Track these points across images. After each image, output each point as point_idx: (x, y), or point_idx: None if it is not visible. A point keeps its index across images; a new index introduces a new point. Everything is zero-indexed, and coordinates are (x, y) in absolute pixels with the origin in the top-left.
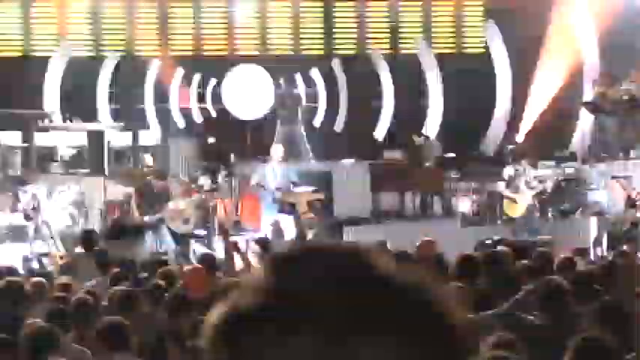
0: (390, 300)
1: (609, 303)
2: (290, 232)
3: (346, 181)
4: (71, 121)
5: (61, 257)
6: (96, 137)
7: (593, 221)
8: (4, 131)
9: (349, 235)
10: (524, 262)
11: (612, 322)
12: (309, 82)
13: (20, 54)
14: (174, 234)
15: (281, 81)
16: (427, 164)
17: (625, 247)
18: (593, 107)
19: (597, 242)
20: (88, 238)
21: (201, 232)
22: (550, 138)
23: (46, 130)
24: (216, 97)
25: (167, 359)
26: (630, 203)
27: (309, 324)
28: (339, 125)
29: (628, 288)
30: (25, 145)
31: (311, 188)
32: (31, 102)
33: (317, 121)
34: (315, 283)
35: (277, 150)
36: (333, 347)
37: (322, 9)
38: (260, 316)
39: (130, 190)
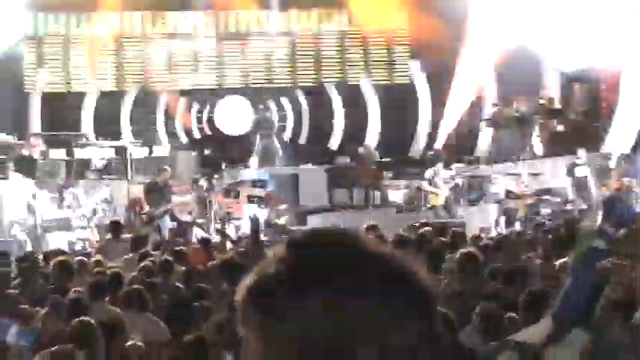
0: (380, 269)
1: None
2: (263, 220)
3: (309, 180)
4: (102, 139)
5: (97, 242)
6: (121, 151)
7: (493, 207)
8: (52, 148)
9: (312, 221)
10: (443, 239)
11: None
12: (280, 107)
13: (63, 90)
14: (179, 222)
15: (260, 107)
16: (369, 167)
17: (517, 227)
18: (492, 123)
19: (497, 223)
20: (115, 227)
21: (202, 220)
22: (460, 146)
23: (83, 146)
24: (211, 120)
25: (177, 318)
26: (518, 195)
27: (320, 288)
28: (302, 138)
29: (517, 255)
30: (68, 158)
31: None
32: (72, 126)
33: (286, 136)
34: (323, 258)
35: (254, 160)
36: (340, 307)
37: (289, 50)
38: (282, 281)
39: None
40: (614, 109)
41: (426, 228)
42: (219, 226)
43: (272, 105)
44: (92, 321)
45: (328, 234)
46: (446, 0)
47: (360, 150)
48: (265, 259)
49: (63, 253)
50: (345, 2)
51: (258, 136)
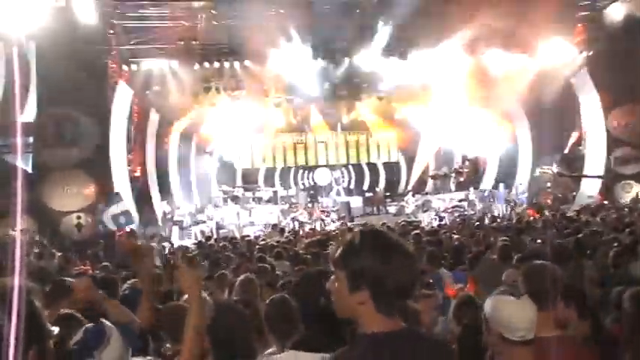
0: (396, 247)
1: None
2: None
3: (355, 203)
4: (267, 187)
5: (266, 232)
6: (275, 192)
7: (433, 213)
8: (245, 192)
9: (356, 221)
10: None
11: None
12: (342, 173)
13: (249, 167)
14: (300, 221)
15: (333, 172)
16: (380, 196)
17: (444, 222)
18: (433, 176)
19: (434, 220)
20: (274, 226)
21: (309, 220)
22: (418, 187)
23: (259, 190)
24: (312, 177)
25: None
26: (445, 207)
27: (367, 247)
28: (352, 185)
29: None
30: (253, 195)
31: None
32: (254, 181)
33: (345, 185)
34: (370, 236)
35: (333, 195)
36: (375, 255)
37: (344, 147)
38: (356, 244)
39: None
40: (484, 171)
41: (404, 223)
42: (315, 224)
43: (338, 172)
44: None
45: (371, 229)
46: (411, 123)
47: (376, 190)
48: (348, 235)
49: (249, 237)
50: (369, 129)
51: (333, 185)
